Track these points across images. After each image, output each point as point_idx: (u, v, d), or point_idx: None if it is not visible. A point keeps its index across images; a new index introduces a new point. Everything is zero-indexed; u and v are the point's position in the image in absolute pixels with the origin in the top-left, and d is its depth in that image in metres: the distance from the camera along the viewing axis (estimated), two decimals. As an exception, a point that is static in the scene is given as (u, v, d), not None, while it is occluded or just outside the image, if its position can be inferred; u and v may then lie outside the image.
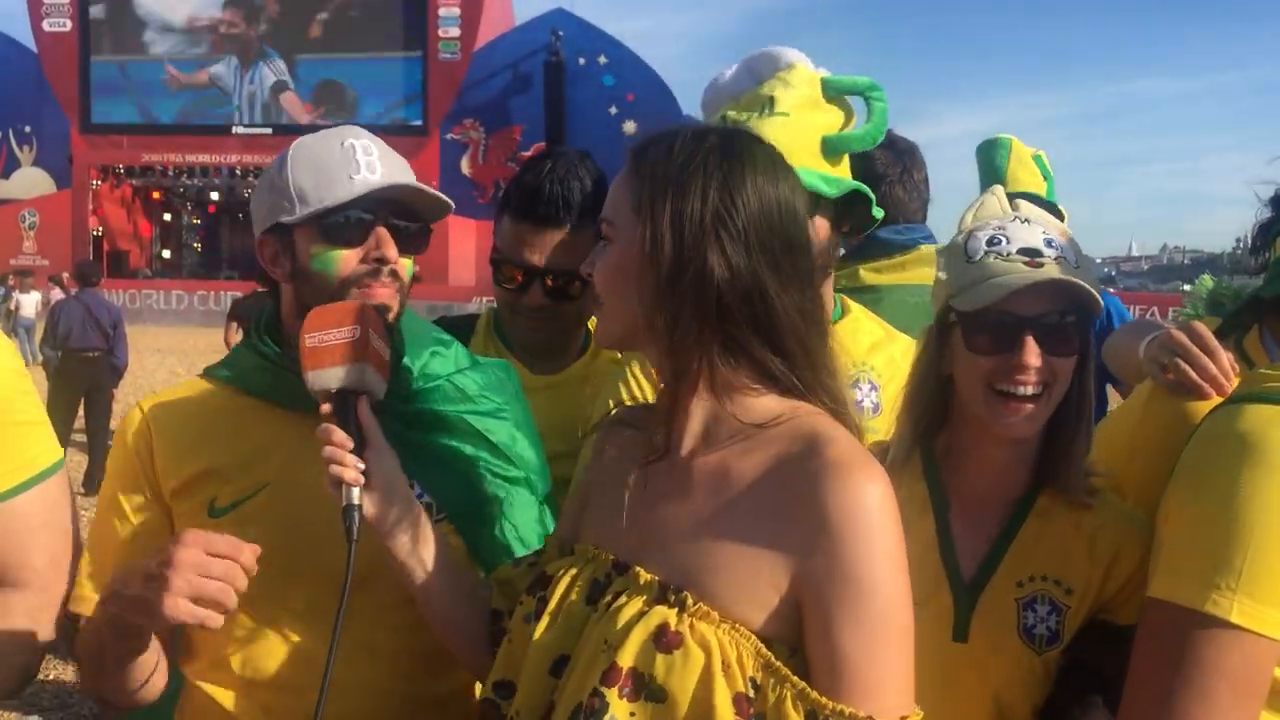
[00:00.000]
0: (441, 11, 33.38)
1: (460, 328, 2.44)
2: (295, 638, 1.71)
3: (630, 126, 31.80)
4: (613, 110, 32.93)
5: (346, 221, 1.70)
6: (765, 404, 1.41)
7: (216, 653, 1.74)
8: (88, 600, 1.73)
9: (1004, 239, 1.76)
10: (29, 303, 21.81)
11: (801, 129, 2.14)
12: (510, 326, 2.35)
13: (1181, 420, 1.80)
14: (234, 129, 33.61)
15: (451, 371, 1.87)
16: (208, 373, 1.85)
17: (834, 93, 2.21)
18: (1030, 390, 1.70)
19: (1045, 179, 3.56)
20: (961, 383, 1.76)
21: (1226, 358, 1.80)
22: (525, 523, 1.86)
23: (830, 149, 2.16)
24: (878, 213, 2.23)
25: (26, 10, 34.27)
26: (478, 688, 1.95)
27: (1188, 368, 1.80)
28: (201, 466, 1.72)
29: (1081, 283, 1.69)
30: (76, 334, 10.18)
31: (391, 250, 1.71)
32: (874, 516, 1.29)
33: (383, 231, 1.72)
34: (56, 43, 34.23)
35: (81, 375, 10.04)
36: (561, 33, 33.04)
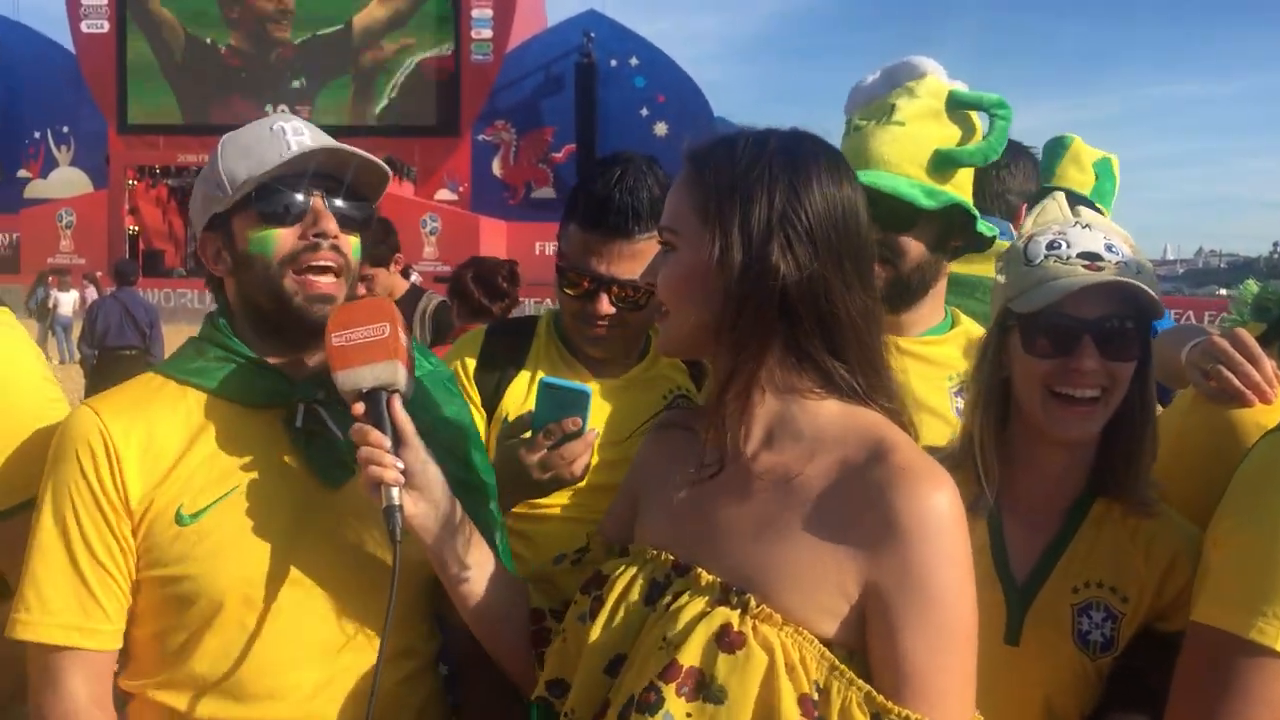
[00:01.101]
0: (474, 13, 33.49)
1: (520, 329, 2.42)
2: (270, 642, 1.64)
3: (661, 128, 31.81)
4: (644, 112, 32.92)
5: (280, 200, 1.66)
6: (827, 408, 1.41)
7: (178, 661, 1.66)
8: (31, 625, 1.59)
9: (1064, 243, 1.74)
10: (67, 301, 22.09)
11: (913, 139, 2.13)
12: (575, 333, 2.34)
13: (1224, 427, 1.79)
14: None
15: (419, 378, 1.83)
16: (162, 372, 1.76)
17: (959, 106, 2.20)
18: (1088, 394, 1.68)
19: (1098, 178, 3.53)
20: (1019, 385, 1.75)
21: (1270, 365, 1.78)
22: (485, 529, 1.81)
23: (941, 162, 2.15)
24: (987, 229, 2.21)
25: (65, 12, 34.63)
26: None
27: (1230, 375, 1.78)
28: (165, 472, 1.64)
29: (1142, 285, 1.67)
30: (114, 332, 10.30)
31: (330, 224, 1.67)
32: (943, 523, 1.30)
33: (319, 204, 1.67)
34: (94, 43, 34.59)
35: (119, 373, 10.07)
36: (593, 34, 33.07)
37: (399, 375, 1.54)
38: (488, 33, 33.62)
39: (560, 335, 2.38)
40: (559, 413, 2.00)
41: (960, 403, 2.11)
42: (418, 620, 1.78)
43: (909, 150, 2.12)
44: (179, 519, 1.62)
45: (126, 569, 1.63)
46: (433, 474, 1.55)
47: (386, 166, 1.75)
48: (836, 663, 1.29)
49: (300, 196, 1.66)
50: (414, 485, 1.52)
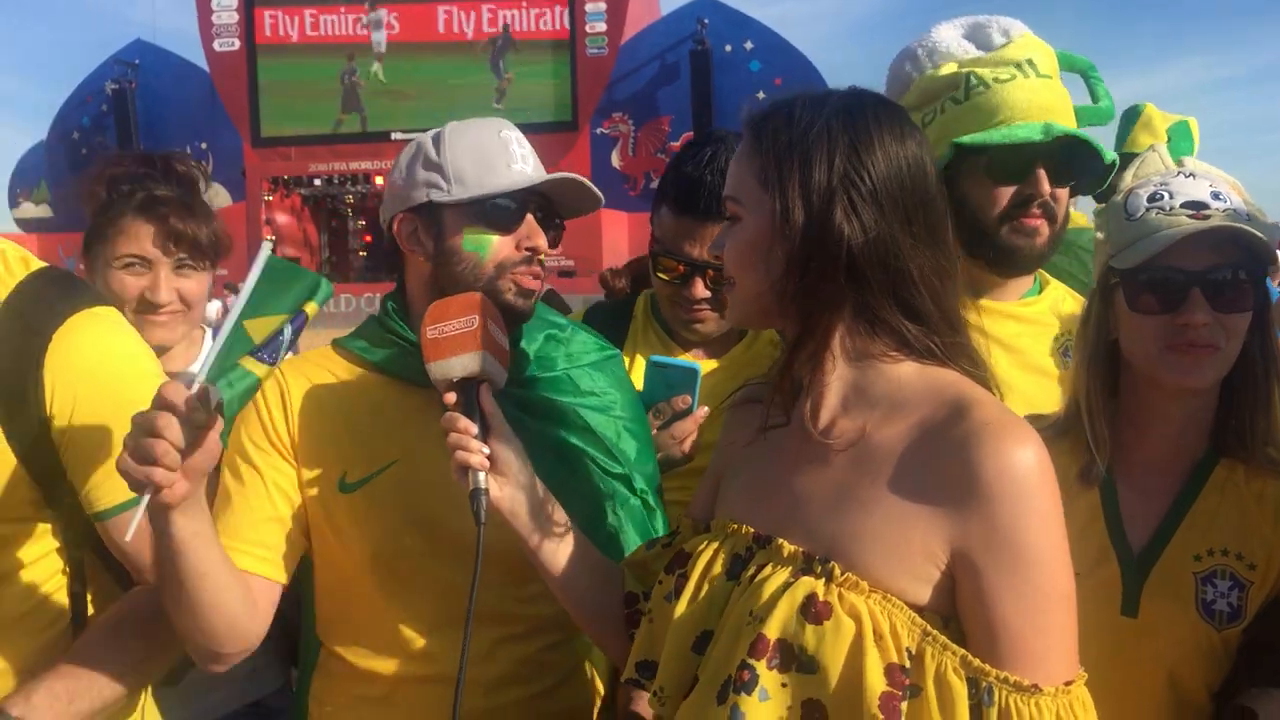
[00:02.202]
0: (588, 7, 33.66)
1: (617, 312, 2.47)
2: (427, 609, 1.77)
3: (779, 111, 31.46)
4: (760, 96, 32.33)
5: (504, 208, 1.76)
6: (903, 371, 1.39)
7: (354, 624, 1.80)
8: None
9: (1166, 194, 1.67)
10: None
11: (1063, 95, 2.13)
12: (671, 317, 2.34)
13: None
14: (393, 135, 34.61)
15: (567, 363, 1.90)
16: (339, 345, 1.89)
17: (1068, 67, 2.21)
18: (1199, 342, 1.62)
19: (1172, 140, 3.47)
20: (1129, 345, 1.69)
21: None
22: (624, 518, 1.88)
23: (1081, 119, 2.14)
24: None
25: (198, 34, 36.00)
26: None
27: None
28: (333, 437, 1.78)
29: (1251, 230, 1.58)
30: (255, 338, 10.69)
31: (543, 240, 1.79)
32: (1030, 479, 1.26)
33: (533, 221, 1.78)
34: (226, 62, 35.87)
35: (261, 377, 10.50)
36: (707, 21, 32.90)
37: (486, 365, 1.60)
38: (602, 26, 33.75)
39: (657, 317, 2.40)
40: (668, 392, 2.02)
41: (1069, 362, 2.07)
42: None
43: (1066, 104, 2.11)
44: (342, 486, 1.76)
45: (292, 502, 1.78)
46: (519, 461, 1.60)
47: (600, 195, 1.86)
48: (929, 628, 1.27)
49: (519, 209, 1.78)
50: (500, 471, 1.57)
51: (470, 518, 1.70)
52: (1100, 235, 1.76)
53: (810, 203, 1.35)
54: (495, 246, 1.77)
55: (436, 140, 1.80)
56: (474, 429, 1.57)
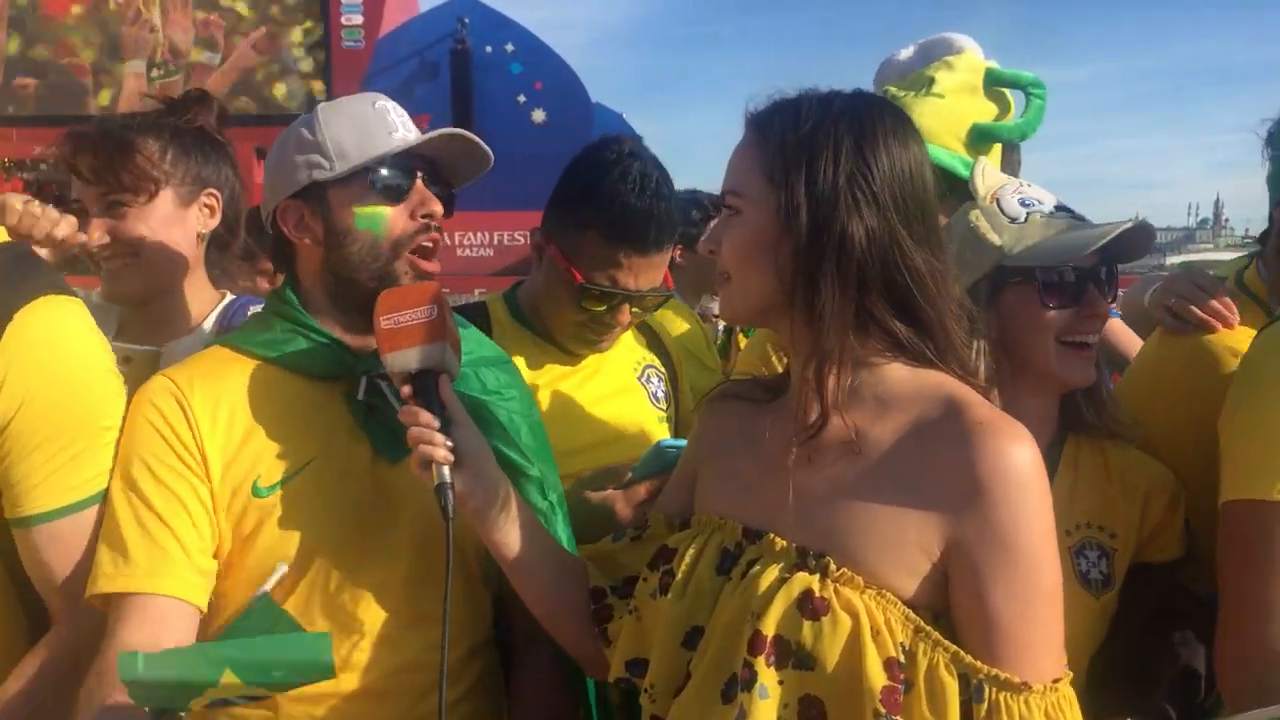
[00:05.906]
0: (344, -1, 32.88)
1: (473, 316, 2.32)
2: (357, 616, 1.64)
3: (539, 115, 31.45)
4: (521, 99, 32.47)
5: (392, 178, 1.65)
6: (894, 371, 1.38)
7: None
8: (97, 579, 1.57)
9: (1034, 200, 1.78)
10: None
11: (952, 112, 2.17)
12: (572, 338, 2.20)
13: (1196, 355, 1.87)
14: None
15: (468, 358, 1.78)
16: (230, 344, 1.73)
17: (996, 83, 2.25)
18: (1094, 338, 1.73)
19: None
20: (1026, 339, 1.74)
21: (1224, 293, 1.89)
22: (541, 516, 1.80)
23: (978, 137, 2.18)
24: None
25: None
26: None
27: (1192, 306, 1.87)
28: (239, 441, 1.63)
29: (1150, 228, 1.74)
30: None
31: (438, 206, 1.68)
32: (1025, 477, 1.28)
33: (423, 187, 1.68)
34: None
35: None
36: (468, 20, 32.67)
37: (446, 356, 1.53)
38: (358, 18, 33.00)
39: (522, 320, 2.27)
40: (662, 471, 1.94)
41: None
42: (477, 598, 1.78)
43: (948, 122, 2.15)
44: (256, 490, 1.62)
45: (204, 509, 1.60)
46: (482, 454, 1.53)
47: (490, 154, 1.73)
48: (922, 624, 1.27)
49: (409, 176, 1.66)
50: (464, 464, 1.50)
51: (388, 517, 1.63)
52: (994, 238, 1.75)
53: (816, 200, 1.33)
54: (390, 220, 1.66)
55: (309, 122, 1.70)
56: (436, 422, 1.50)
